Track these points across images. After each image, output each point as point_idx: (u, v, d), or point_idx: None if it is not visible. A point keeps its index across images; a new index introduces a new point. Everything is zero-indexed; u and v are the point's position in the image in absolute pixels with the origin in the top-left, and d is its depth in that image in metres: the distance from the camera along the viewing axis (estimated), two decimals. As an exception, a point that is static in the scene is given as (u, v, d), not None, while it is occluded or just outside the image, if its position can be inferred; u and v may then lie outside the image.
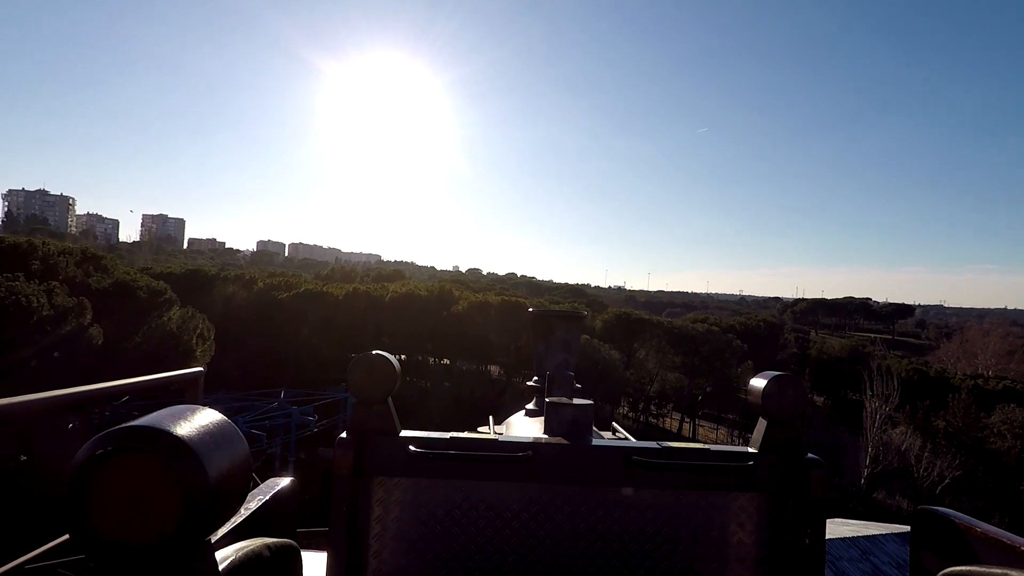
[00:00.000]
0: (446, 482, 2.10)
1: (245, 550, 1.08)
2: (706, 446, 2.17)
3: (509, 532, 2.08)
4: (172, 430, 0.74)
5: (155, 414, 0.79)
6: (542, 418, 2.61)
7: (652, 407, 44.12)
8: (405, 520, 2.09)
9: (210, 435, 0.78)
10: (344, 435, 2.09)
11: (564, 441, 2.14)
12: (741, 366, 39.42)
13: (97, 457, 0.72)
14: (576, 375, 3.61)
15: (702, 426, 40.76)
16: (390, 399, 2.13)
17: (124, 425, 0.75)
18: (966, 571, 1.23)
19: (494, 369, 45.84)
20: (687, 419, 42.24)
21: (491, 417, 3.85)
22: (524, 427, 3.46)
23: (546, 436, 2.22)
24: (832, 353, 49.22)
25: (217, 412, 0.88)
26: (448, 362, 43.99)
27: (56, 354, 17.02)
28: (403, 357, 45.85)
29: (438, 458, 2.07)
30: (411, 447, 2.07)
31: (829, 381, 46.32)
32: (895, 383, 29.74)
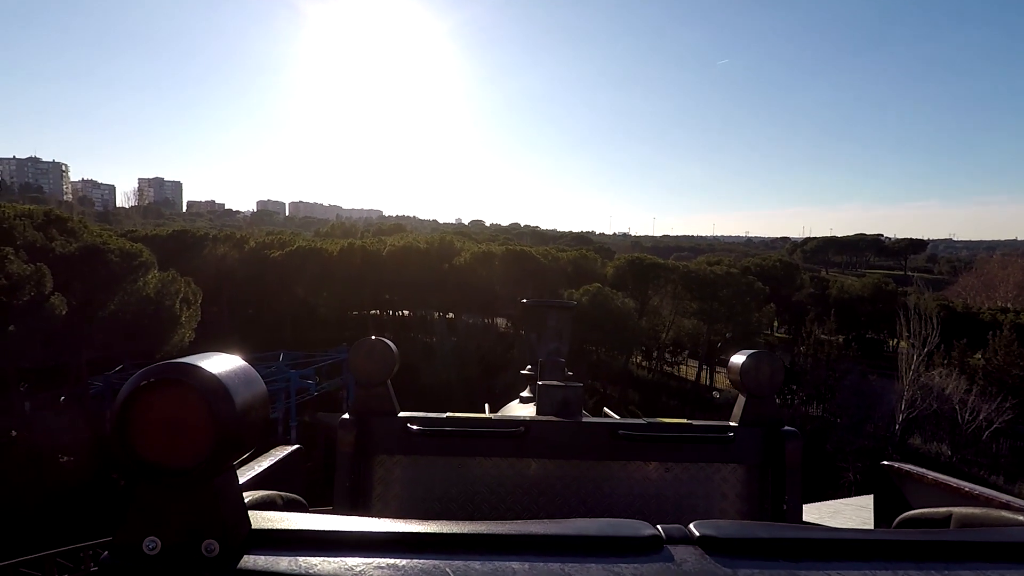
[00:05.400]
0: (443, 459, 2.16)
1: (260, 495, 1.28)
2: (689, 421, 2.23)
3: (504, 507, 2.13)
4: (206, 367, 0.86)
5: (189, 356, 0.91)
6: (535, 404, 2.54)
7: (667, 355, 42.68)
8: (405, 497, 2.15)
9: (235, 374, 0.90)
10: (346, 416, 2.16)
11: (555, 418, 2.22)
12: (763, 309, 37.46)
13: (142, 388, 0.83)
14: (568, 360, 3.63)
15: (720, 372, 39.18)
16: (389, 382, 2.20)
17: (164, 362, 0.87)
18: (918, 514, 1.41)
19: (500, 322, 44.36)
20: (704, 367, 40.78)
21: (487, 405, 4.01)
22: (518, 412, 3.40)
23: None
24: (853, 292, 47.14)
25: (239, 357, 0.98)
26: (452, 316, 42.41)
27: (12, 327, 15.25)
28: (405, 313, 44.32)
29: (435, 435, 2.15)
30: (409, 425, 2.15)
31: (851, 321, 44.50)
32: (934, 323, 27.79)
